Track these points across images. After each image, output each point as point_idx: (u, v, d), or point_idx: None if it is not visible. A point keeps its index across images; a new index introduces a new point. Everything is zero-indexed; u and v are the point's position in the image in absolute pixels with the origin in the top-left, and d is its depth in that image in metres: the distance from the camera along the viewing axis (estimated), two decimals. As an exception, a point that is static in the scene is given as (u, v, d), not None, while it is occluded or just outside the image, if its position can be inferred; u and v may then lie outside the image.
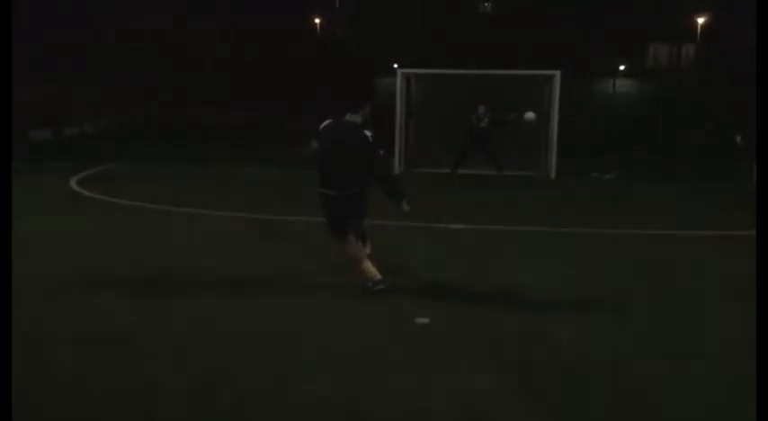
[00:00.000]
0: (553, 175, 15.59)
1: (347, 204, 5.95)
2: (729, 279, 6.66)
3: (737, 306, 5.59)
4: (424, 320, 5.24)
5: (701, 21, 41.87)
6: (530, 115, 13.81)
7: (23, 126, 23.78)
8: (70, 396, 3.91)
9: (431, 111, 16.59)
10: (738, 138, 14.44)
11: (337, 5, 47.63)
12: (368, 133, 5.89)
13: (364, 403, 3.90)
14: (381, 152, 6.07)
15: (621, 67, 43.72)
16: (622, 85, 41.03)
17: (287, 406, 3.85)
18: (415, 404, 3.89)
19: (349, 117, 5.98)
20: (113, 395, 3.91)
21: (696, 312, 5.70)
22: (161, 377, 4.16)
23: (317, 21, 46.59)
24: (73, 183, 13.12)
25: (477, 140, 14.77)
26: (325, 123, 6.08)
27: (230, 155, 19.59)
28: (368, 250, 6.37)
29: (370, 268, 5.97)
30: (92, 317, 5.26)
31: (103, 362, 4.37)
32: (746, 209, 8.50)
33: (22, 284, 5.80)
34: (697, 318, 5.53)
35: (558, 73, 15.75)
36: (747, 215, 7.82)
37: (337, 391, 4.02)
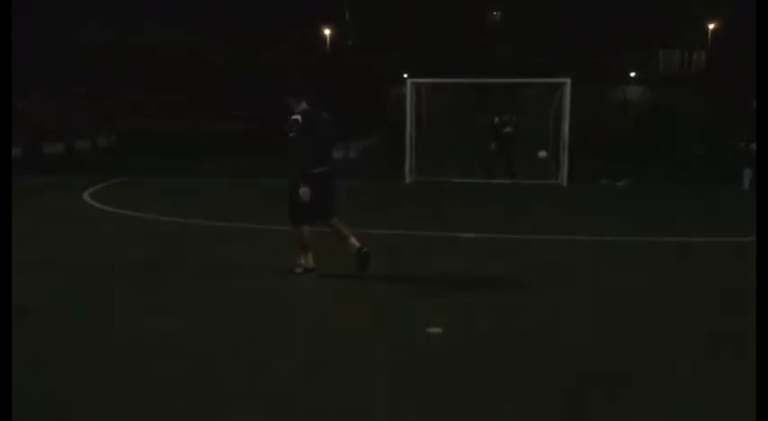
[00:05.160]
0: (564, 183, 15.55)
1: (330, 182, 6.83)
2: (736, 284, 6.62)
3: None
4: (436, 330, 5.23)
5: (711, 27, 41.77)
6: (542, 154, 14.92)
7: (36, 140, 24.03)
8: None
9: (441, 121, 16.61)
10: (742, 144, 14.54)
11: (347, 17, 47.81)
12: (325, 114, 6.93)
13: (370, 413, 3.88)
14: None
15: (632, 74, 43.65)
16: (633, 91, 40.93)
17: (286, 413, 3.85)
18: (423, 415, 3.87)
19: (297, 107, 6.75)
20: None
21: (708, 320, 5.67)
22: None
23: (327, 32, 46.75)
24: (86, 197, 13.22)
25: (503, 145, 15.04)
26: (305, 114, 6.68)
27: (235, 163, 19.65)
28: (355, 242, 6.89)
29: (310, 257, 6.87)
30: (94, 323, 5.29)
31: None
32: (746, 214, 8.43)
33: (27, 294, 5.85)
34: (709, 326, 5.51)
35: (568, 80, 15.75)
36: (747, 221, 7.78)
37: (344, 401, 4.01)
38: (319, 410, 3.91)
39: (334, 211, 6.96)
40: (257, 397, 4.07)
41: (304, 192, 6.53)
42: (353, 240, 6.90)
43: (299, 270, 6.90)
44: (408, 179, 16.00)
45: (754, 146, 13.85)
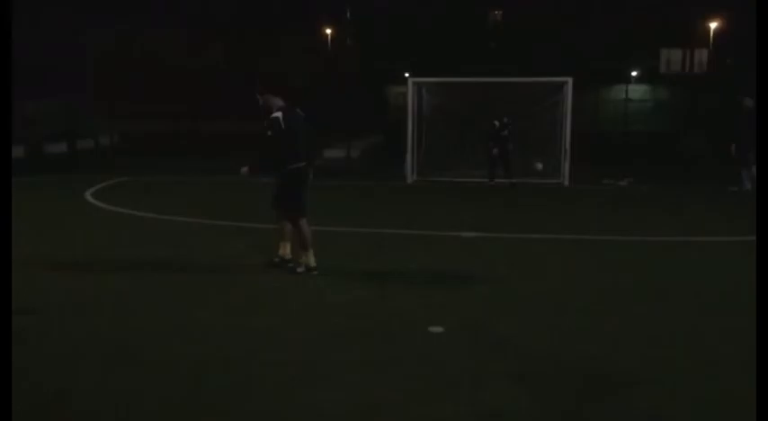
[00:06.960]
0: (566, 183, 15.53)
1: (307, 178, 6.99)
2: (734, 285, 6.61)
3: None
4: (437, 329, 5.22)
5: (713, 25, 41.69)
6: (539, 166, 15.23)
7: (39, 139, 24.04)
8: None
9: (442, 120, 16.59)
10: (733, 146, 14.45)
11: (348, 16, 47.78)
12: (300, 111, 7.08)
13: (374, 413, 3.88)
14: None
15: (634, 73, 43.58)
16: (635, 90, 40.86)
17: (289, 414, 3.84)
18: (428, 415, 3.87)
19: (274, 104, 6.94)
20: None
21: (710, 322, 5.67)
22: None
23: (328, 32, 46.70)
24: (88, 196, 13.22)
25: (503, 147, 15.05)
26: (284, 112, 6.84)
27: (236, 163, 19.59)
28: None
29: (311, 256, 6.90)
30: (94, 322, 5.29)
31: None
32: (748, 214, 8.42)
33: (27, 294, 5.85)
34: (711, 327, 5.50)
35: (570, 79, 15.71)
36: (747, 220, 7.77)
37: (348, 401, 4.00)
38: (320, 409, 3.90)
39: (305, 212, 7.04)
40: (257, 396, 4.07)
41: (245, 170, 7.04)
42: (288, 246, 7.16)
43: (300, 269, 6.91)
44: (409, 179, 15.99)
45: (743, 146, 13.79)
